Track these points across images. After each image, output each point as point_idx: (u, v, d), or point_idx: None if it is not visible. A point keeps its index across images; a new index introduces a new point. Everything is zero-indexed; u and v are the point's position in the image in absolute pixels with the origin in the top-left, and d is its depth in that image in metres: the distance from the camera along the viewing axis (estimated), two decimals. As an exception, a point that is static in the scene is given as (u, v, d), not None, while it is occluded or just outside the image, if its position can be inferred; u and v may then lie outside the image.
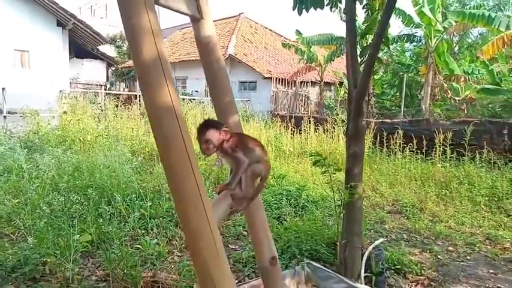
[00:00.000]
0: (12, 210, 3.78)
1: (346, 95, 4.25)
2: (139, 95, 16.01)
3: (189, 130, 1.29)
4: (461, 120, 8.86)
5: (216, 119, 1.82)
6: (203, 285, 1.26)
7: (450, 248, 3.98)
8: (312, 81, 17.83)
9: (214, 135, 1.58)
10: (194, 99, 13.62)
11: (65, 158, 5.42)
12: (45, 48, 14.68)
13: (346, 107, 3.41)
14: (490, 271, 3.50)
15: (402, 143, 7.33)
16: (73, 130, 7.86)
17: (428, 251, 3.88)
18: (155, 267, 3.17)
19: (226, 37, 18.70)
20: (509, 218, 4.85)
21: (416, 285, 3.15)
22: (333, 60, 15.08)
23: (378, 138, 8.09)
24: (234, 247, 3.72)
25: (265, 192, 5.02)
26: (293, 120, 10.16)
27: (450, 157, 6.57)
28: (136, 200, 4.21)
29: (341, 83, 16.89)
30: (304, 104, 17.55)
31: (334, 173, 3.16)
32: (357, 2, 3.20)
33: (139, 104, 12.67)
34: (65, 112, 9.10)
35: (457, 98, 12.27)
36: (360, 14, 3.93)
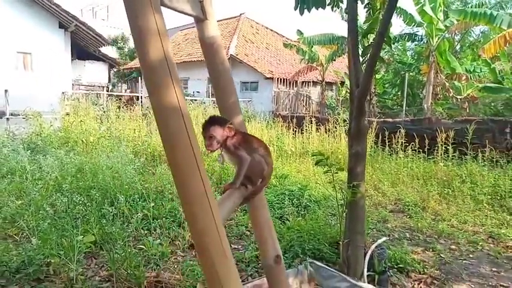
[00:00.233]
0: (16, 212, 3.80)
1: (348, 95, 4.26)
2: (141, 96, 16.09)
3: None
4: (464, 118, 8.85)
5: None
6: (210, 283, 1.28)
7: (453, 247, 3.98)
8: (313, 81, 17.83)
9: (218, 132, 1.59)
10: (196, 100, 13.64)
11: (67, 159, 5.45)
12: (47, 50, 14.74)
13: (348, 107, 3.41)
14: (493, 269, 3.50)
15: (404, 142, 7.33)
16: (75, 131, 7.89)
17: (431, 250, 3.88)
18: (158, 267, 3.18)
19: (228, 37, 18.72)
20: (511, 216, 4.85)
21: (419, 284, 3.15)
22: (334, 60, 15.08)
23: (380, 137, 8.09)
24: (236, 247, 3.73)
25: (267, 192, 5.03)
26: (295, 120, 10.17)
27: (452, 156, 6.56)
28: (139, 200, 4.23)
29: (342, 83, 16.88)
30: (306, 104, 17.55)
31: (337, 173, 3.16)
32: (359, 2, 3.21)
33: (141, 105, 12.73)
34: (67, 114, 9.14)
35: (459, 97, 12.24)
36: (361, 14, 3.93)
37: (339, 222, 3.38)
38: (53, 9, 14.20)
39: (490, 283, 3.23)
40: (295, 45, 15.25)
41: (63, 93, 12.35)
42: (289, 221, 4.21)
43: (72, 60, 16.55)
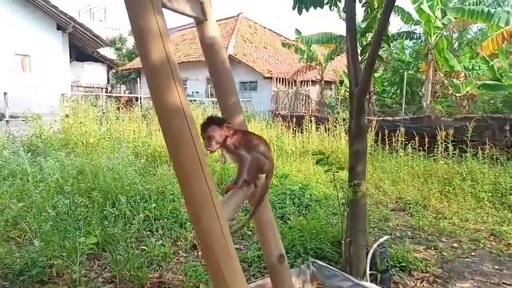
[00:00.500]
0: (18, 214, 3.80)
1: (347, 94, 4.27)
2: (140, 97, 16.08)
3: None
4: (463, 116, 8.87)
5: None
6: (215, 282, 1.29)
7: (455, 245, 3.99)
8: (312, 80, 17.85)
9: (216, 132, 1.60)
10: (195, 100, 13.65)
11: (68, 161, 5.45)
12: (45, 52, 14.71)
13: (347, 105, 3.42)
14: (495, 267, 3.50)
15: (404, 141, 7.33)
16: (75, 133, 7.90)
17: (432, 248, 3.89)
18: (161, 268, 3.19)
19: (226, 37, 18.72)
20: (512, 213, 4.85)
21: (421, 282, 3.16)
22: (333, 59, 15.10)
23: (380, 136, 8.10)
24: (238, 247, 3.73)
25: (268, 192, 5.02)
26: (294, 119, 10.17)
27: (452, 154, 6.57)
28: (141, 201, 4.23)
29: (341, 82, 16.90)
30: (305, 103, 17.56)
31: (337, 172, 3.17)
32: (356, 1, 3.21)
33: (141, 106, 12.72)
34: (67, 115, 9.14)
35: (458, 95, 12.27)
36: (359, 12, 3.94)
37: (340, 221, 3.39)
38: (50, 11, 14.17)
39: (493, 281, 3.24)
40: (293, 45, 15.25)
41: (62, 94, 12.35)
42: (290, 220, 4.22)
43: (70, 61, 16.53)
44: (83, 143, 7.44)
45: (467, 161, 6.34)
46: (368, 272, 2.90)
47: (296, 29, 14.67)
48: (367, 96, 4.43)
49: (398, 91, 16.25)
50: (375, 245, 3.05)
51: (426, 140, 7.08)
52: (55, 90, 13.12)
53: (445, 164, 6.40)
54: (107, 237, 3.42)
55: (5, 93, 9.92)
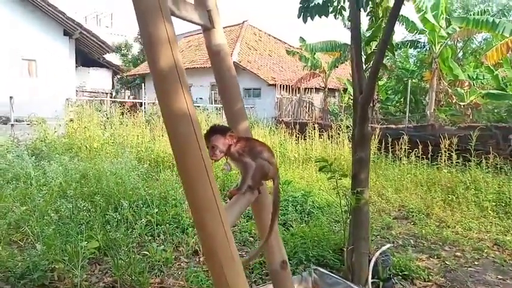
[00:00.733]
0: (21, 217, 3.81)
1: (351, 101, 4.28)
2: (145, 103, 16.17)
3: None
4: (467, 125, 8.84)
5: (224, 123, 1.86)
6: (218, 286, 1.29)
7: (458, 254, 3.96)
8: (316, 88, 17.88)
9: (220, 141, 1.62)
10: (199, 106, 13.70)
11: (72, 165, 5.48)
12: (52, 57, 14.88)
13: (351, 113, 3.43)
14: (499, 277, 3.47)
15: (407, 149, 7.32)
16: (79, 138, 7.94)
17: (435, 257, 3.86)
18: (163, 273, 3.18)
19: (231, 45, 18.83)
20: (517, 223, 4.81)
21: (424, 291, 3.14)
22: (337, 67, 15.16)
23: (383, 143, 8.08)
24: (240, 253, 3.71)
25: (270, 198, 5.01)
26: (297, 126, 10.18)
27: (456, 162, 6.54)
28: (143, 206, 4.23)
29: (345, 89, 16.92)
30: (309, 111, 17.58)
31: (340, 179, 3.17)
32: (361, 10, 3.23)
33: (145, 112, 12.79)
34: (71, 120, 9.20)
35: (462, 103, 12.24)
36: (364, 21, 3.96)
37: (342, 228, 3.38)
38: (58, 17, 14.36)
39: (496, 291, 3.21)
40: (297, 52, 15.33)
41: (67, 99, 12.44)
42: (292, 227, 4.21)
43: (76, 67, 16.71)
44: (86, 147, 7.48)
45: (471, 169, 6.31)
46: (370, 280, 2.88)
47: (300, 37, 14.75)
48: (371, 104, 4.43)
49: (402, 99, 16.24)
50: (377, 253, 3.03)
51: (430, 148, 7.05)
52: (60, 95, 13.24)
53: (449, 173, 6.37)
54: (108, 242, 3.43)
55: (10, 97, 10.01)
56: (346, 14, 3.59)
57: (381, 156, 8.03)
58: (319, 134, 9.23)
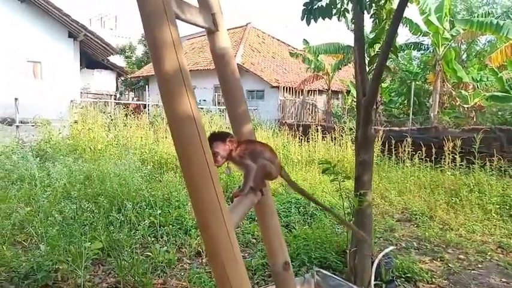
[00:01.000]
0: (25, 218, 3.84)
1: (354, 103, 4.28)
2: (148, 104, 16.24)
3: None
4: (471, 127, 8.80)
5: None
6: (220, 287, 1.30)
7: (461, 256, 3.94)
8: (319, 90, 17.89)
9: (220, 147, 1.64)
10: (202, 108, 13.74)
11: (76, 166, 5.51)
12: (56, 59, 14.98)
13: (354, 115, 3.44)
14: (503, 280, 3.45)
15: (411, 151, 7.30)
16: (84, 139, 7.99)
17: (438, 259, 3.84)
18: (165, 274, 3.19)
19: (234, 47, 18.89)
20: (521, 226, 4.78)
21: (427, 294, 3.13)
22: (340, 69, 15.16)
23: (387, 146, 8.07)
24: (243, 255, 3.72)
25: (273, 200, 5.02)
26: (301, 128, 10.18)
27: (460, 165, 6.51)
28: (146, 208, 4.25)
29: (348, 92, 16.92)
30: (312, 113, 17.59)
31: (344, 181, 3.17)
32: (365, 12, 3.24)
33: (148, 113, 12.84)
34: (75, 121, 9.25)
35: (465, 106, 12.19)
36: (368, 23, 3.97)
37: (345, 230, 3.37)
38: (62, 19, 14.47)
39: (500, 294, 3.19)
40: (301, 55, 15.35)
41: (71, 101, 12.53)
42: (295, 229, 4.21)
43: (80, 69, 16.80)
44: (90, 149, 7.52)
45: (474, 172, 6.28)
46: (373, 282, 2.87)
47: (304, 39, 14.77)
48: (374, 106, 4.42)
49: (405, 101, 16.20)
50: (380, 255, 3.02)
51: (433, 150, 7.02)
52: (65, 97, 13.33)
53: (452, 175, 6.35)
54: (112, 243, 3.44)
55: (16, 99, 10.08)
56: (350, 16, 3.60)
57: (384, 158, 8.02)
58: (323, 136, 9.22)
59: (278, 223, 2.01)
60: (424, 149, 7.05)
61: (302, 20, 3.41)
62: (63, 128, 8.61)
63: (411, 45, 13.74)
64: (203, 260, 3.51)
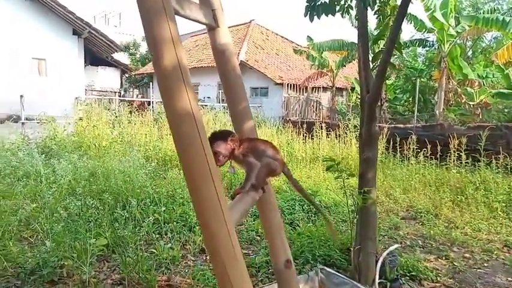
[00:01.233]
0: (31, 214, 3.87)
1: (358, 101, 4.26)
2: (153, 101, 16.26)
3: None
4: (476, 125, 8.73)
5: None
6: (221, 285, 1.29)
7: (466, 255, 3.92)
8: (323, 87, 17.82)
9: (222, 146, 1.65)
10: (206, 105, 13.75)
11: (81, 163, 5.53)
12: (61, 57, 15.02)
13: (359, 112, 3.42)
14: (509, 279, 3.43)
15: (416, 148, 7.25)
16: (88, 136, 8.02)
17: (444, 258, 3.82)
18: (170, 271, 3.21)
19: (238, 44, 18.85)
20: (527, 224, 4.75)
21: (431, 292, 3.11)
22: (345, 66, 15.07)
23: (391, 143, 8.03)
24: (247, 252, 3.73)
25: (277, 197, 5.03)
26: (305, 125, 10.15)
27: (465, 162, 6.47)
28: (151, 204, 4.27)
29: (353, 89, 16.84)
30: (316, 110, 17.53)
31: (348, 178, 3.16)
32: (369, 8, 3.22)
33: (153, 110, 12.86)
34: (80, 118, 9.30)
35: (471, 103, 12.08)
36: (372, 20, 3.94)
37: (350, 228, 3.36)
38: (67, 16, 14.49)
39: (505, 292, 3.17)
40: (305, 51, 15.28)
41: (76, 98, 12.58)
42: (299, 226, 4.20)
43: (85, 66, 16.83)
44: (95, 145, 7.55)
45: (480, 170, 6.24)
46: (377, 280, 2.87)
47: (308, 36, 14.70)
48: (379, 103, 4.40)
49: (410, 99, 16.10)
50: (385, 253, 3.01)
51: (438, 148, 6.98)
52: (69, 94, 13.38)
53: (458, 173, 6.30)
54: (116, 239, 3.46)
55: (21, 96, 10.14)
56: (353, 12, 3.57)
57: (389, 156, 7.98)
58: (327, 134, 9.20)
59: (280, 220, 2.01)
60: (429, 146, 7.00)
61: (305, 16, 3.38)
62: (68, 125, 8.65)
63: (416, 42, 13.63)
64: (207, 257, 3.52)
